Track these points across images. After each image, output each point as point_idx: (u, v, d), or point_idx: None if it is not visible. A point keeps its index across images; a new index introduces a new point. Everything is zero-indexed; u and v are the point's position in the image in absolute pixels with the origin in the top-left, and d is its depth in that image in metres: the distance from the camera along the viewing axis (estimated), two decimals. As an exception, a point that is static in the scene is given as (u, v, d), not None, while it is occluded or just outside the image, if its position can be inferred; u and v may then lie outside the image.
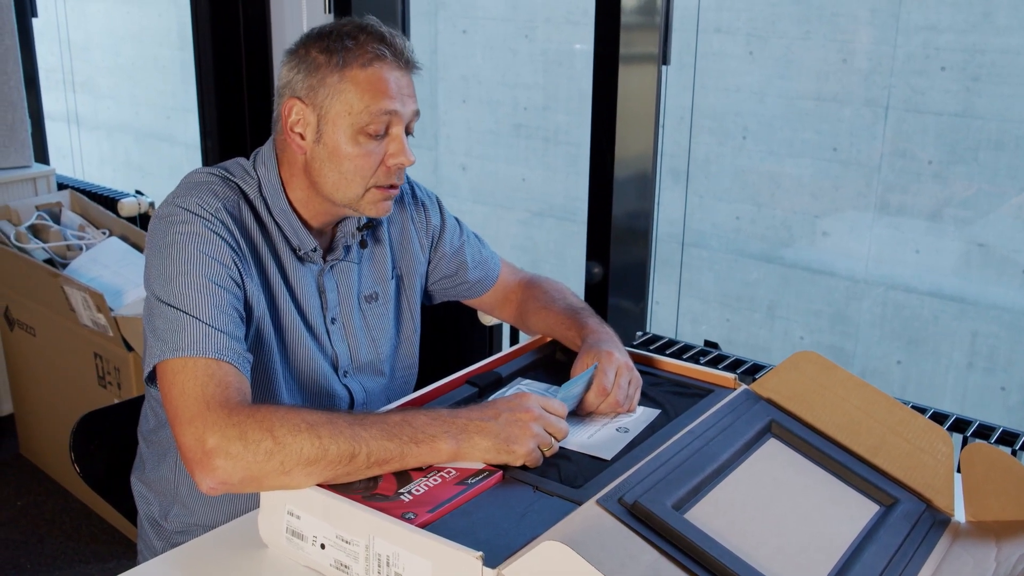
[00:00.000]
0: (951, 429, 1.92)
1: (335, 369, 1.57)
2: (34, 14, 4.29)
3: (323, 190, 1.46)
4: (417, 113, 1.47)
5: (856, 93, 3.44)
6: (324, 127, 1.42)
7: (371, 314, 1.61)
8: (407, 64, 1.45)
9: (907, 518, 1.25)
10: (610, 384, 1.44)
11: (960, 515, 1.30)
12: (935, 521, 1.26)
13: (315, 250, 1.51)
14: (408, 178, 1.73)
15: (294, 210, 1.49)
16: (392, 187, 1.47)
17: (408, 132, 1.47)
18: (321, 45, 1.42)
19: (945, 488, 1.30)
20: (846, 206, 3.57)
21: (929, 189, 3.34)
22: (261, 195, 1.49)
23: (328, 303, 1.55)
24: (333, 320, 1.56)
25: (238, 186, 1.47)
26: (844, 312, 3.69)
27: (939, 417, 1.95)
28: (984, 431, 1.91)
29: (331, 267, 1.55)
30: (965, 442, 1.89)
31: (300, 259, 1.51)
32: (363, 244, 1.59)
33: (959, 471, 1.30)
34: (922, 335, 3.50)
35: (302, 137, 1.45)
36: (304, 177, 1.47)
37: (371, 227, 1.61)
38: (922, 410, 1.96)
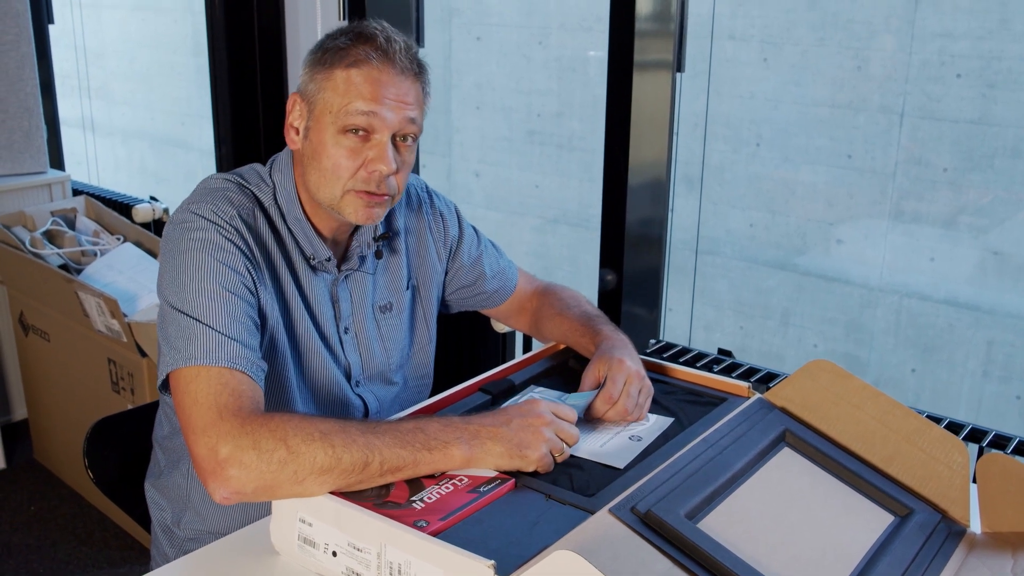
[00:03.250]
0: (967, 439, 1.91)
1: (348, 379, 1.56)
2: (50, 20, 4.31)
3: (309, 189, 1.46)
4: (412, 121, 1.42)
5: (871, 100, 3.43)
6: (311, 123, 1.43)
7: (385, 324, 1.61)
8: (402, 71, 1.41)
9: (922, 528, 1.24)
10: (618, 392, 1.43)
11: (976, 526, 1.29)
12: (950, 532, 1.25)
13: (329, 259, 1.51)
14: (426, 187, 1.73)
15: (308, 219, 1.49)
16: (374, 195, 1.43)
17: (402, 141, 1.43)
18: (325, 43, 1.43)
19: (961, 498, 1.29)
20: (861, 214, 3.56)
21: (944, 197, 3.33)
22: (276, 203, 1.49)
23: (341, 313, 1.55)
24: (346, 330, 1.56)
25: (253, 193, 1.48)
26: (858, 320, 3.67)
27: (955, 427, 1.94)
28: (1000, 441, 1.90)
29: (345, 277, 1.55)
30: (981, 452, 1.88)
31: (313, 268, 1.51)
32: (378, 255, 1.59)
33: (975, 481, 1.29)
34: (937, 343, 3.49)
35: (297, 132, 1.46)
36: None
37: (387, 237, 1.60)
38: (937, 420, 1.95)
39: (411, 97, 1.42)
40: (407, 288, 1.64)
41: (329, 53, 1.41)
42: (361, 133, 1.40)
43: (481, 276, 1.75)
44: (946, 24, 3.22)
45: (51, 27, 4.35)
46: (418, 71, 1.45)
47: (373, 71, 1.39)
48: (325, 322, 1.52)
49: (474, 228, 1.77)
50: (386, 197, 1.45)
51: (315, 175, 1.43)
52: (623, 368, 1.47)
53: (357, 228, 1.54)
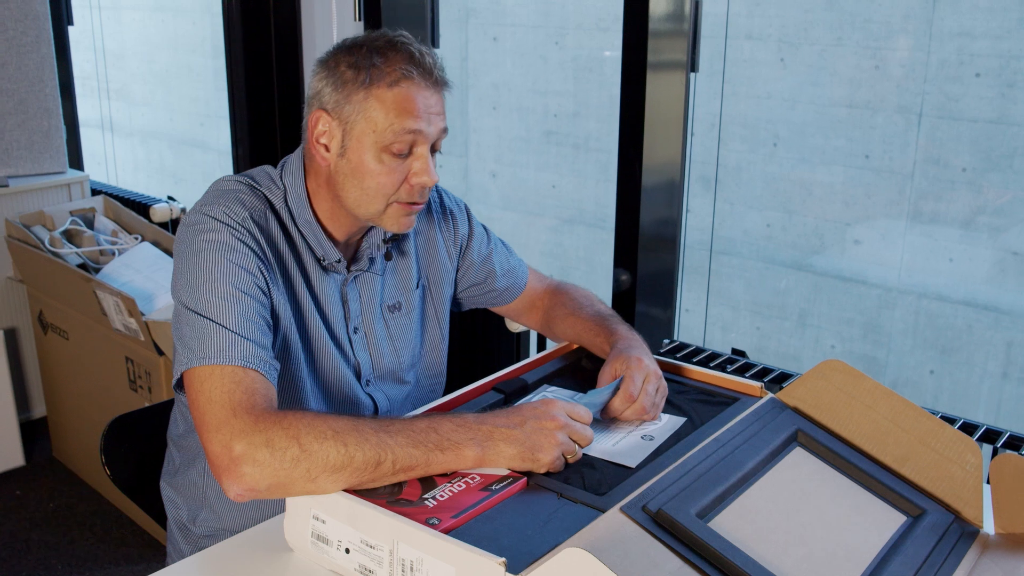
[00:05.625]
0: (981, 440, 1.90)
1: (358, 378, 1.57)
2: (70, 22, 4.34)
3: (345, 204, 1.47)
4: (445, 131, 1.46)
5: (889, 100, 3.41)
6: (348, 142, 1.42)
7: (394, 324, 1.62)
8: (436, 82, 1.44)
9: (934, 529, 1.23)
10: (637, 390, 1.43)
11: (989, 527, 1.28)
12: (963, 533, 1.25)
13: (339, 261, 1.52)
14: (437, 186, 1.73)
15: (319, 221, 1.50)
16: (415, 204, 1.47)
17: (435, 150, 1.47)
18: (350, 60, 1.41)
19: (974, 499, 1.29)
20: (878, 214, 3.54)
21: (963, 197, 3.31)
22: (287, 205, 1.50)
23: (350, 313, 1.56)
24: (355, 330, 1.57)
25: (264, 195, 1.49)
26: (876, 321, 3.65)
27: (969, 427, 1.93)
28: (1015, 442, 1.89)
29: (354, 277, 1.56)
30: (995, 453, 1.87)
31: (324, 269, 1.52)
32: (388, 256, 1.60)
33: (988, 482, 1.29)
34: (956, 345, 3.47)
35: (327, 149, 1.45)
36: (329, 189, 1.48)
37: (396, 239, 1.61)
38: (952, 420, 1.94)
39: (442, 107, 1.46)
40: (416, 287, 1.65)
41: (363, 72, 1.40)
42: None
43: (491, 274, 1.76)
44: (964, 23, 3.20)
45: (71, 29, 4.38)
46: (446, 81, 1.47)
47: (414, 88, 1.40)
48: (335, 322, 1.53)
49: (484, 226, 1.78)
50: (422, 204, 1.48)
51: (356, 193, 1.44)
52: (642, 367, 1.47)
53: (368, 231, 1.55)
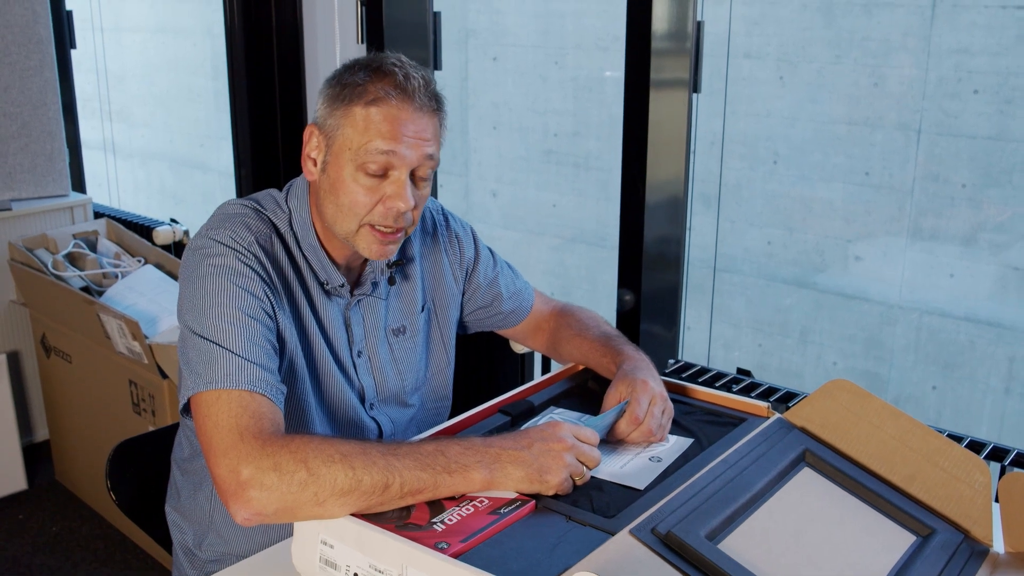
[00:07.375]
0: (989, 458, 1.90)
1: (362, 402, 1.57)
2: (73, 45, 4.36)
3: (325, 220, 1.47)
4: (430, 157, 1.43)
5: (888, 117, 3.42)
6: (330, 158, 1.43)
7: (398, 347, 1.62)
8: (422, 108, 1.41)
9: (944, 548, 1.23)
10: (643, 413, 1.43)
11: (999, 546, 1.28)
12: (973, 552, 1.25)
13: (343, 285, 1.52)
14: (442, 209, 1.74)
15: (322, 246, 1.50)
16: (388, 233, 1.44)
17: (419, 176, 1.44)
18: (342, 77, 1.43)
19: (983, 518, 1.28)
20: (879, 231, 3.55)
21: (963, 213, 3.31)
22: (291, 229, 1.50)
23: (354, 336, 1.56)
24: (359, 353, 1.57)
25: (270, 219, 1.49)
26: (878, 337, 3.65)
27: (976, 446, 1.93)
28: (1023, 460, 1.89)
29: (357, 301, 1.56)
30: (1003, 471, 1.87)
31: (327, 293, 1.52)
32: (391, 281, 1.60)
33: (997, 501, 1.29)
34: (958, 360, 3.46)
35: (315, 164, 1.46)
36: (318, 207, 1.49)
37: (400, 264, 1.61)
38: (959, 439, 1.94)
39: (429, 133, 1.43)
40: (421, 311, 1.65)
41: (348, 88, 1.41)
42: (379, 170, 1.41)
43: (498, 297, 1.76)
44: (962, 40, 3.21)
45: (73, 51, 4.40)
46: (436, 107, 1.45)
47: (392, 109, 1.39)
48: (339, 346, 1.53)
49: (490, 249, 1.78)
50: (400, 233, 1.46)
51: (332, 209, 1.45)
52: (647, 389, 1.47)
53: None
